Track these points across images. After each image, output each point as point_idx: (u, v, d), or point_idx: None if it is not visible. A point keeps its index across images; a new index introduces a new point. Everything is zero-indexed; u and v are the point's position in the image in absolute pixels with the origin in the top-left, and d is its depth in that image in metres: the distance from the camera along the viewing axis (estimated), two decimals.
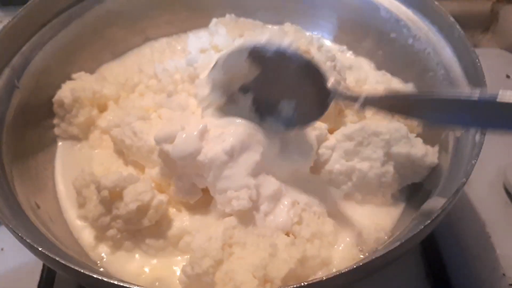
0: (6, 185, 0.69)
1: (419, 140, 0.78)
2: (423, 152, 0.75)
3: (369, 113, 0.84)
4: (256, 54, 0.70)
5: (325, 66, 0.83)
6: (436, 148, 0.78)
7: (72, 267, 0.53)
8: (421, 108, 0.62)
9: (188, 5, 1.06)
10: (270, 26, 1.02)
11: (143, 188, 0.70)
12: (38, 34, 0.87)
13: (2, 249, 0.86)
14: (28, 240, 0.56)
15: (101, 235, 0.74)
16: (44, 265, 0.82)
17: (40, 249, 0.55)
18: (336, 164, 0.77)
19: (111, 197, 0.70)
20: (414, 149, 0.75)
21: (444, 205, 0.60)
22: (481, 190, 0.88)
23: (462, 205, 0.85)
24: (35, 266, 0.82)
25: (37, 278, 0.81)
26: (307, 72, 0.68)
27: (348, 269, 0.54)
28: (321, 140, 0.77)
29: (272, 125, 0.74)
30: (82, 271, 0.53)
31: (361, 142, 0.76)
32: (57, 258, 0.54)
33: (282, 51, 0.69)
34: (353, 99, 0.65)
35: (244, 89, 0.75)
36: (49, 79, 0.89)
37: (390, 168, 0.75)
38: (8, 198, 0.67)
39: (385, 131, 0.75)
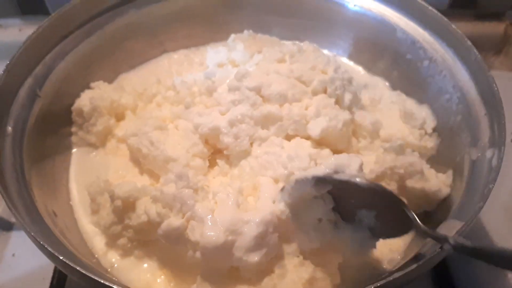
0: (26, 192, 0.70)
1: (433, 173, 0.79)
2: (437, 187, 0.76)
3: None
4: (323, 181, 0.65)
5: (340, 85, 0.84)
6: (451, 175, 0.78)
7: (95, 278, 0.54)
8: None
9: (206, 20, 1.07)
10: (286, 42, 1.03)
11: None
12: (61, 44, 0.89)
13: (13, 255, 0.87)
14: (49, 248, 0.56)
15: (112, 243, 0.74)
16: (54, 271, 0.82)
17: (61, 258, 0.56)
18: None
19: (123, 207, 0.71)
20: (428, 184, 0.76)
21: (461, 229, 0.60)
22: (495, 215, 0.87)
23: (475, 229, 0.84)
24: (46, 271, 0.82)
25: (47, 283, 0.81)
26: (384, 198, 0.63)
27: None
28: None
29: (354, 233, 0.68)
30: (102, 282, 0.53)
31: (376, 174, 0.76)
32: (78, 268, 0.54)
33: (352, 182, 0.63)
34: (439, 240, 0.59)
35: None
36: (69, 88, 0.90)
37: (403, 200, 0.75)
38: (29, 205, 0.68)
39: (400, 165, 0.75)
